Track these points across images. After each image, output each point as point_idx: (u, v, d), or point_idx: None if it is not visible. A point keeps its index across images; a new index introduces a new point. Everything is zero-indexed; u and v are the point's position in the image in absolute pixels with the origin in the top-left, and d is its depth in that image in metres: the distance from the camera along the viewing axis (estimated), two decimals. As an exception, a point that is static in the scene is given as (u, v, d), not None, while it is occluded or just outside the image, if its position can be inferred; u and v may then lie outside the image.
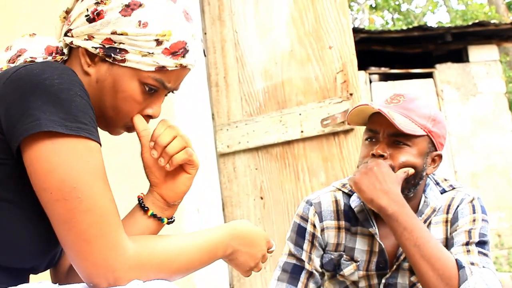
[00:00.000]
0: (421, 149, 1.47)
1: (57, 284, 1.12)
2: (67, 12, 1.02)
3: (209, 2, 3.12)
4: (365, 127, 1.55)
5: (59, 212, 0.84)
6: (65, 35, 1.01)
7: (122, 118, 1.01)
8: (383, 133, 1.46)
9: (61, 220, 0.84)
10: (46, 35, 1.08)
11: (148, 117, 1.04)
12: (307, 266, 1.55)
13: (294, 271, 1.55)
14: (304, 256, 1.56)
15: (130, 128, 1.05)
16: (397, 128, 1.41)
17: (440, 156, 1.53)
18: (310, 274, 1.55)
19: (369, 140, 1.50)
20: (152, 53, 0.96)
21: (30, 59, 1.00)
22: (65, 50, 1.03)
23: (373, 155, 1.45)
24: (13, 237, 0.88)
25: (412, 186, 1.47)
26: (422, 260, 1.34)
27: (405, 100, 1.50)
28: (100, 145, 0.90)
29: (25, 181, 0.87)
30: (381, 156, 1.44)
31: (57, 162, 0.84)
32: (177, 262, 0.91)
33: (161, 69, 0.98)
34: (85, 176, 0.84)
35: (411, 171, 1.44)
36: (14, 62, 1.00)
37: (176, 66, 0.99)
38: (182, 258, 0.92)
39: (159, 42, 0.96)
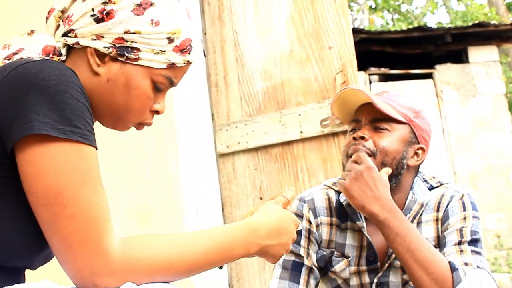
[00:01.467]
0: (402, 136, 1.50)
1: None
2: (63, 11, 1.01)
3: (209, 2, 3.13)
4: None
5: (44, 216, 0.84)
6: (65, 35, 1.00)
7: (134, 115, 1.03)
8: (364, 119, 1.52)
9: (46, 223, 0.84)
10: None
11: (155, 113, 1.06)
12: (306, 261, 1.55)
13: (294, 267, 1.55)
14: (302, 252, 1.56)
15: (141, 124, 1.06)
16: (376, 107, 1.46)
17: (423, 150, 1.54)
18: (310, 270, 1.55)
19: (352, 131, 1.55)
20: (164, 51, 0.99)
21: (27, 58, 0.98)
22: (63, 51, 1.02)
23: (354, 139, 1.49)
24: (4, 236, 0.88)
25: (393, 176, 1.49)
26: (415, 264, 1.34)
27: (389, 94, 1.58)
28: (96, 148, 0.89)
29: (19, 181, 0.86)
30: (362, 138, 1.48)
31: (45, 167, 0.83)
32: (174, 267, 0.90)
33: (171, 66, 1.01)
34: (72, 182, 0.84)
35: (389, 171, 1.48)
36: (11, 59, 0.99)
37: (184, 63, 1.02)
38: (182, 263, 0.90)
39: (170, 40, 0.99)
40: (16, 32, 1.07)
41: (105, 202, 0.88)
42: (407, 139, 1.51)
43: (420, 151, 1.53)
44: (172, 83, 1.03)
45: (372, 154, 1.46)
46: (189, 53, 1.02)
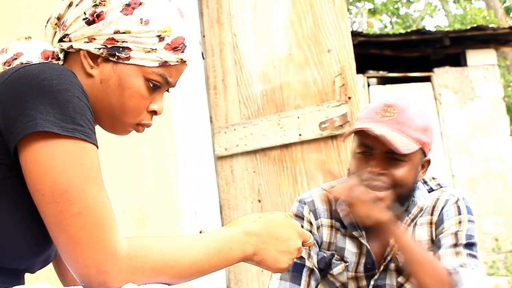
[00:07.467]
0: (415, 162, 1.47)
1: (61, 275, 1.14)
2: (59, 18, 1.03)
3: (208, 5, 3.13)
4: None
5: (50, 214, 0.84)
6: (61, 40, 1.02)
7: (130, 115, 1.02)
8: (377, 149, 1.44)
9: (53, 221, 0.84)
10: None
11: (153, 113, 1.06)
12: (307, 263, 1.55)
13: (295, 269, 1.54)
14: (303, 253, 1.55)
15: (140, 125, 1.05)
16: (398, 151, 1.39)
17: (428, 161, 1.53)
18: (311, 271, 1.55)
19: (361, 154, 1.48)
20: (155, 49, 0.99)
21: (26, 63, 1.00)
22: (61, 56, 1.03)
23: (371, 173, 1.44)
24: (5, 237, 0.88)
25: (405, 200, 1.49)
26: (418, 265, 1.37)
27: (398, 112, 1.46)
28: (97, 147, 0.90)
29: (22, 182, 0.87)
30: (380, 174, 1.44)
31: (50, 164, 0.84)
32: (177, 265, 0.90)
33: (164, 64, 1.01)
34: (78, 179, 0.84)
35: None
36: (10, 65, 1.00)
37: (177, 61, 1.02)
38: (184, 261, 0.91)
39: (161, 38, 0.99)
40: (16, 34, 1.07)
41: (109, 200, 0.89)
42: (419, 162, 1.48)
43: (426, 163, 1.52)
44: (168, 82, 1.03)
45: (388, 188, 1.44)
46: (182, 52, 1.02)
